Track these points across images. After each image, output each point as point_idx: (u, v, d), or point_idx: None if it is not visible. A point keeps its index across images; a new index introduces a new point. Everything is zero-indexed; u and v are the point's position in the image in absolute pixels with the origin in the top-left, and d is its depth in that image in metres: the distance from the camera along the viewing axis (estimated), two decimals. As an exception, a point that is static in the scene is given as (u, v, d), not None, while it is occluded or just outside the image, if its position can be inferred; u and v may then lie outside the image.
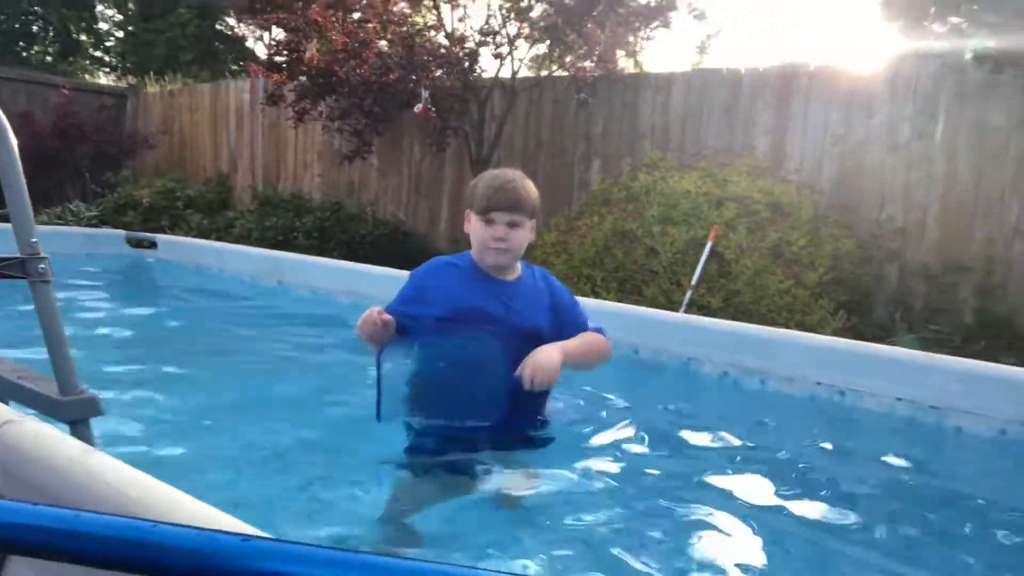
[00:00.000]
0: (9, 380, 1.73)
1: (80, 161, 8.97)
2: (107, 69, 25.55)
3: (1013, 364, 4.13)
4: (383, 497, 1.93)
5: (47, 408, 1.63)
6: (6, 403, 1.97)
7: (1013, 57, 4.38)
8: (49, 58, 25.28)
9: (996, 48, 4.49)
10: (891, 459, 2.49)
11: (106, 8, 26.63)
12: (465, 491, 1.95)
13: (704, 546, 1.75)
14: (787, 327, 4.09)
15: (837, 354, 2.76)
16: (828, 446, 2.49)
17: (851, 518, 1.96)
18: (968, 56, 4.59)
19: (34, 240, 1.64)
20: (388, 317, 1.99)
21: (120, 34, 25.55)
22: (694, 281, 4.33)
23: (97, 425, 1.71)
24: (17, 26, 24.79)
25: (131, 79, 13.02)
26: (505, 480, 1.99)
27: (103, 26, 26.74)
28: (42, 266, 1.63)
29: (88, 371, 2.68)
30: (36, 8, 25.01)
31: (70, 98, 9.25)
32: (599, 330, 2.20)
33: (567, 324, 2.16)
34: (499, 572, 0.68)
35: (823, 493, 2.10)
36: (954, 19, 4.84)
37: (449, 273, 2.16)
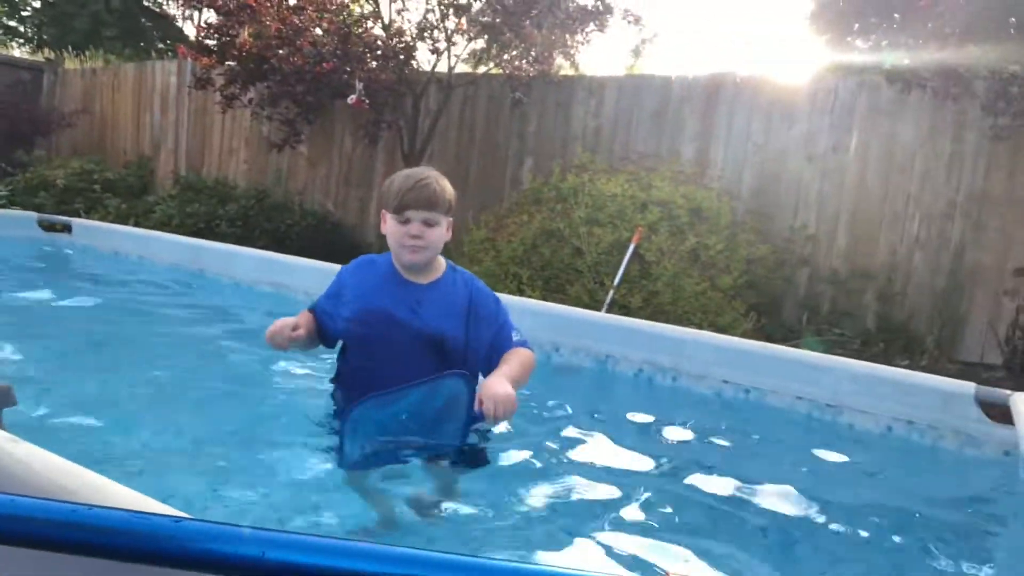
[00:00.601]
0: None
1: (-10, 137, 8.55)
2: (21, 40, 24.32)
3: (906, 366, 4.42)
4: (302, 486, 1.96)
5: (-48, 395, 1.60)
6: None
7: (921, 78, 4.66)
8: (-43, 26, 23.89)
9: (908, 67, 4.76)
10: (790, 452, 2.66)
11: (23, -24, 25.34)
12: (394, 493, 1.98)
13: (616, 538, 1.84)
14: (701, 327, 4.27)
15: (743, 354, 2.91)
16: (729, 442, 2.62)
17: (752, 506, 2.10)
18: (882, 74, 4.84)
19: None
20: (299, 334, 2.03)
21: (38, 4, 24.35)
22: (616, 281, 4.46)
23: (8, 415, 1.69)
24: (-78, -11, 23.35)
25: (48, 53, 12.44)
26: (432, 486, 2.04)
27: (19, -5, 25.42)
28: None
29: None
30: (-56, -29, 23.61)
31: (-19, 70, 8.82)
32: (524, 343, 2.15)
33: (492, 337, 2.11)
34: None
35: (729, 484, 2.22)
36: (874, 36, 5.09)
37: (367, 272, 2.17)
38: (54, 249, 5.63)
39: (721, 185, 5.80)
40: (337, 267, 4.29)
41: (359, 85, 6.00)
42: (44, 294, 4.13)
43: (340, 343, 2.21)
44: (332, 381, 2.25)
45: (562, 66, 7.09)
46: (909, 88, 4.70)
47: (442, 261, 2.18)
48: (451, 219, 2.14)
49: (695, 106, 6.11)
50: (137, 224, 7.19)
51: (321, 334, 2.21)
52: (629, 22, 6.81)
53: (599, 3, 6.68)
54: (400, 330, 2.04)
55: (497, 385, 1.88)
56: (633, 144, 6.30)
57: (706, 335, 3.10)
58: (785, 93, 5.79)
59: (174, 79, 9.26)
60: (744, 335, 4.44)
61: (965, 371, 4.69)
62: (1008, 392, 2.46)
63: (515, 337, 2.14)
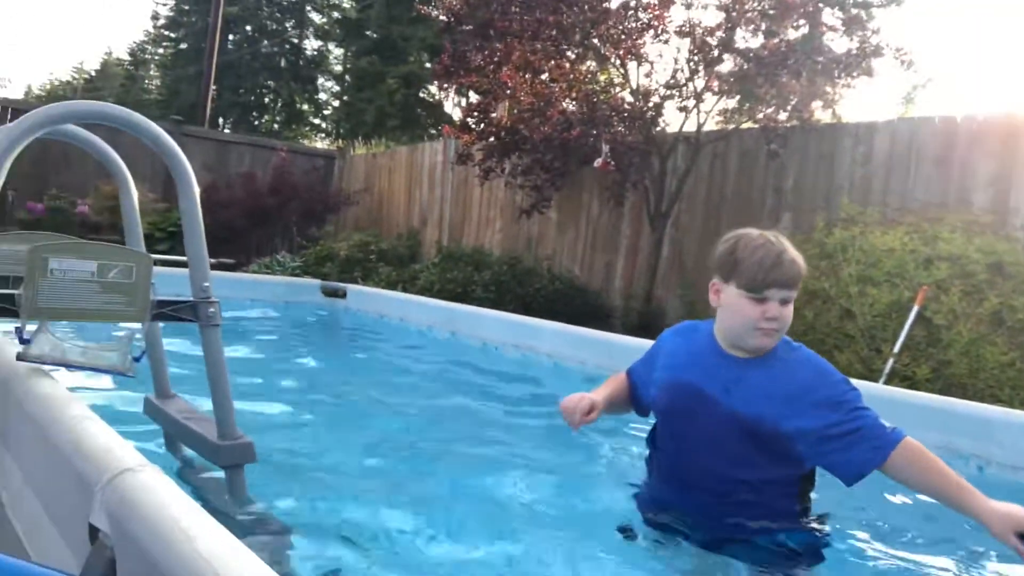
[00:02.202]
0: (176, 419, 1.83)
1: (290, 216, 9.86)
2: (323, 135, 28.35)
3: None
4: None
5: (205, 451, 1.69)
6: (173, 441, 2.09)
7: None
8: (276, 126, 28.46)
9: None
10: None
11: (326, 80, 29.69)
12: None
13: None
14: (1011, 406, 3.51)
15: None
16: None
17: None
18: None
19: (206, 284, 1.72)
20: (591, 419, 1.88)
21: (336, 104, 28.30)
22: (896, 348, 3.86)
23: (254, 471, 1.75)
24: (252, 99, 28.23)
25: (342, 143, 14.27)
26: None
27: (322, 97, 29.81)
28: (211, 310, 1.71)
29: (255, 413, 2.81)
30: (270, 82, 28.39)
31: (286, 160, 10.27)
32: (901, 432, 1.73)
33: (843, 427, 1.73)
34: None
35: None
36: None
37: (685, 340, 2.01)
38: (330, 313, 6.23)
39: (1028, 236, 4.88)
40: (582, 329, 4.23)
41: (605, 148, 6.01)
42: (317, 353, 4.52)
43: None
44: (646, 461, 2.11)
45: (822, 116, 6.55)
46: None
47: None
48: None
49: (988, 148, 5.27)
50: (404, 289, 7.77)
51: (634, 400, 2.11)
52: (902, 63, 6.12)
53: (865, 46, 6.11)
54: (709, 409, 1.83)
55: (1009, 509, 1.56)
56: (911, 193, 5.57)
57: (1022, 415, 2.50)
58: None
59: (440, 157, 10.07)
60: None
61: None
62: None
63: (888, 425, 1.74)
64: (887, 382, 3.63)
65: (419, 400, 3.65)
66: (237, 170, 10.25)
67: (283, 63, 28.39)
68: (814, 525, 1.88)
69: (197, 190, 1.76)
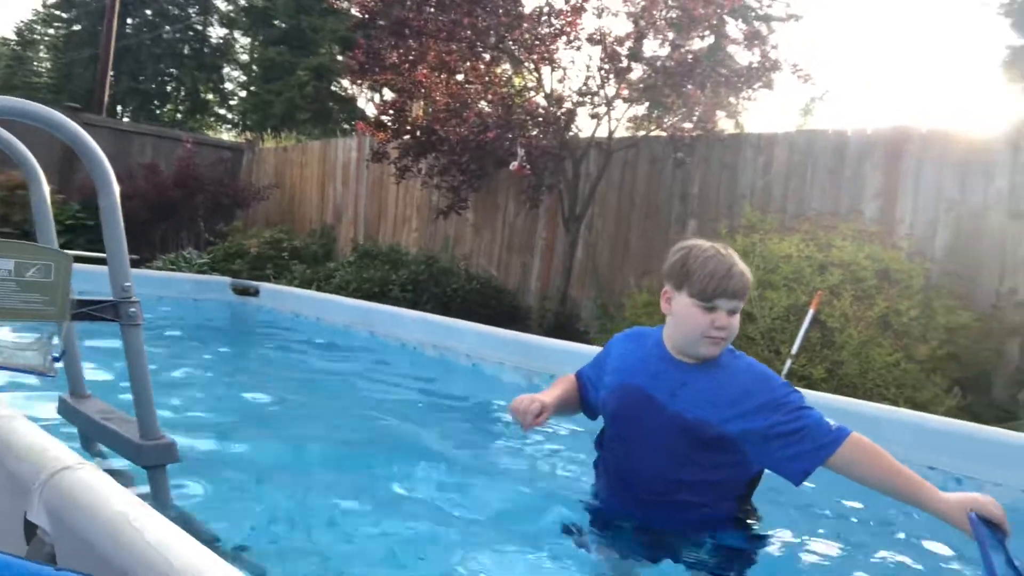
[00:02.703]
0: (95, 421, 1.78)
1: (196, 210, 9.52)
2: (229, 126, 27.42)
3: None
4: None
5: (126, 451, 1.67)
6: (93, 443, 2.04)
7: None
8: (179, 115, 27.35)
9: None
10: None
11: (232, 70, 28.72)
12: None
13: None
14: (896, 403, 3.81)
15: (952, 436, 2.52)
16: (946, 549, 2.25)
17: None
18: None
19: (127, 284, 1.69)
20: (541, 420, 1.90)
21: (243, 94, 27.41)
22: (794, 349, 4.11)
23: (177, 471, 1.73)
24: (153, 87, 27.02)
25: (250, 135, 13.88)
26: None
27: (228, 86, 28.82)
28: (133, 310, 1.68)
29: (173, 414, 2.76)
30: (172, 70, 27.24)
31: (192, 151, 9.91)
32: (846, 430, 1.76)
33: (786, 429, 1.76)
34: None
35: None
36: None
37: (635, 345, 2.06)
38: (243, 311, 6.08)
39: (911, 245, 5.28)
40: (501, 330, 4.30)
41: (520, 151, 6.11)
42: (230, 352, 4.42)
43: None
44: (595, 464, 2.14)
45: (726, 127, 6.87)
46: None
47: None
48: None
49: (876, 161, 5.67)
50: (319, 288, 7.65)
51: (583, 402, 2.15)
52: (799, 78, 6.50)
53: (765, 60, 6.45)
54: (655, 412, 1.88)
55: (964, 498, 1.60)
56: (807, 202, 5.92)
57: (906, 413, 2.73)
58: (980, 145, 5.24)
59: (354, 154, 9.96)
60: (948, 413, 3.92)
61: None
62: None
63: (832, 424, 1.77)
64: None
65: (337, 399, 3.64)
66: (139, 161, 9.82)
67: (186, 50, 27.30)
68: (755, 527, 1.95)
69: (117, 188, 1.73)
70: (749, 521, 1.95)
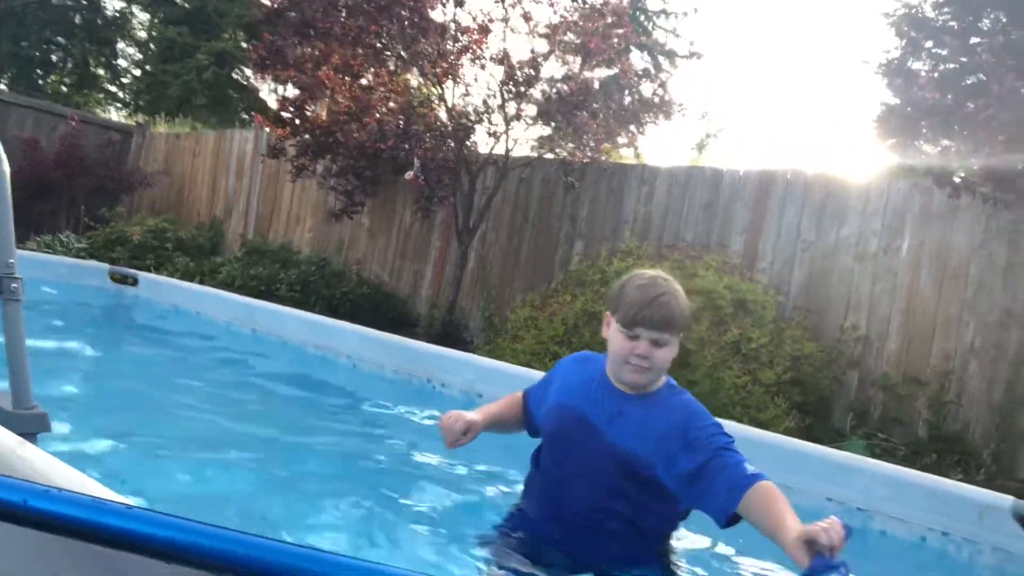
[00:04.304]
0: (-34, 391, 1.82)
1: (78, 192, 9.12)
2: (119, 105, 26.07)
3: (961, 480, 4.25)
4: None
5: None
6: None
7: (970, 183, 4.63)
8: (65, 87, 25.79)
9: (958, 173, 4.74)
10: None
11: (127, 46, 27.36)
12: None
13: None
14: (742, 422, 4.19)
15: (772, 449, 2.86)
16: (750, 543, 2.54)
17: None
18: (927, 175, 4.83)
19: (11, 261, 1.75)
20: (468, 439, 1.91)
21: (137, 72, 26.16)
22: (655, 367, 4.45)
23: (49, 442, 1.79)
24: (37, 54, 25.37)
25: (142, 118, 13.35)
26: None
27: (122, 63, 27.41)
28: (15, 285, 1.74)
29: (45, 392, 2.75)
30: (59, 38, 25.67)
31: (77, 130, 9.48)
32: (761, 475, 1.74)
33: (705, 465, 1.76)
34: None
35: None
36: (945, 142, 5.05)
37: (579, 368, 2.07)
38: (120, 300, 5.92)
39: (769, 279, 5.78)
40: (382, 334, 4.42)
41: (416, 163, 6.26)
42: (105, 339, 4.34)
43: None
44: (526, 481, 2.14)
45: (621, 155, 7.26)
46: (958, 193, 4.66)
47: (663, 377, 1.98)
48: (680, 336, 1.93)
49: (746, 200, 6.17)
50: (203, 282, 7.51)
51: (527, 421, 2.17)
52: (682, 116, 6.99)
53: (658, 96, 6.90)
54: (591, 437, 1.90)
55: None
56: (682, 233, 6.36)
57: (737, 427, 3.05)
58: (836, 192, 5.80)
59: (250, 147, 9.80)
60: (787, 433, 4.33)
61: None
62: (1048, 509, 2.36)
63: (750, 469, 1.75)
64: (645, 395, 4.19)
65: (213, 393, 3.66)
66: (17, 134, 9.30)
67: (78, 19, 25.80)
68: (675, 562, 2.00)
69: (7, 167, 1.79)
70: (672, 558, 1.99)
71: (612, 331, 1.90)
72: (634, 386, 1.90)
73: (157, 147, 11.15)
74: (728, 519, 1.73)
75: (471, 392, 3.51)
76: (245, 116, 21.01)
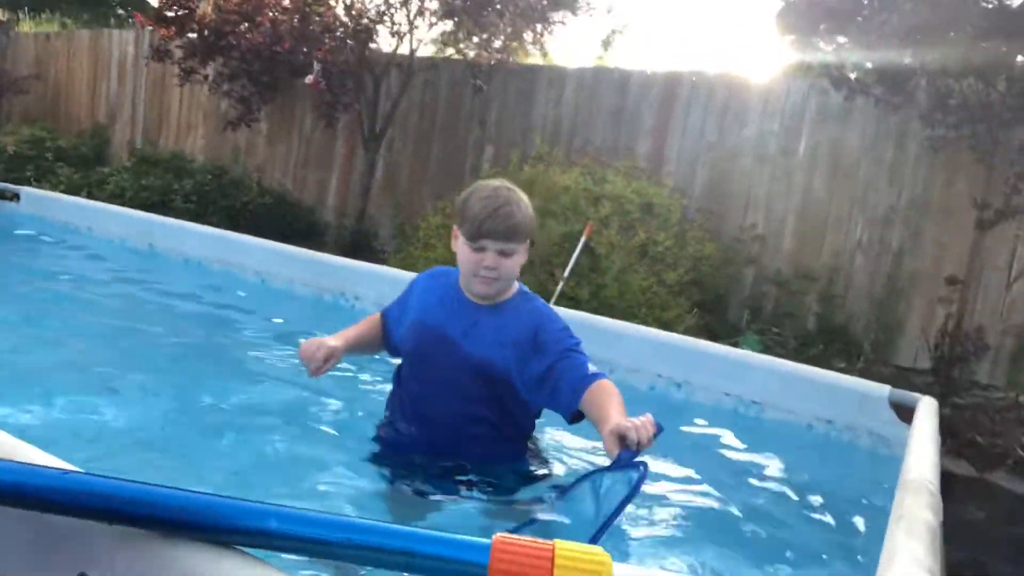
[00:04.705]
0: None
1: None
2: (-26, -2, 23.43)
3: (843, 369, 4.60)
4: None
5: None
6: None
7: (865, 85, 4.79)
8: (-93, -21, 22.93)
9: (853, 74, 4.87)
10: (715, 446, 2.77)
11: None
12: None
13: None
14: (647, 322, 4.37)
15: (676, 350, 3.01)
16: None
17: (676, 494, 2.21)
18: (824, 76, 4.95)
19: None
20: (331, 365, 1.92)
21: (-8, -39, 23.45)
22: (566, 273, 4.54)
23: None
24: None
25: (3, 13, 12.06)
26: None
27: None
28: None
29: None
30: None
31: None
32: (602, 375, 1.86)
33: (552, 365, 1.88)
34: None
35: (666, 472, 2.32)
36: (841, 39, 5.13)
37: (435, 284, 2.10)
38: (1, 218, 5.53)
39: (674, 182, 5.91)
40: (291, 247, 4.31)
41: (316, 66, 5.97)
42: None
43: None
44: (388, 399, 2.18)
45: (530, 53, 7.08)
46: (853, 96, 4.83)
47: (515, 285, 2.04)
48: (528, 242, 1.98)
49: (652, 103, 6.20)
50: (90, 196, 7.06)
51: (387, 341, 2.17)
52: (588, 14, 6.86)
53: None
54: (449, 350, 1.96)
55: (624, 419, 1.62)
56: (591, 137, 6.38)
57: (643, 330, 3.19)
58: (738, 94, 5.90)
59: (131, 49, 9.08)
60: (687, 331, 4.55)
61: (898, 375, 4.86)
62: (919, 395, 2.59)
63: (591, 369, 1.86)
64: (556, 301, 4.28)
65: (107, 316, 3.52)
66: None
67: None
68: (541, 456, 2.14)
69: None
70: (532, 453, 2.13)
71: (460, 245, 1.94)
72: (485, 297, 1.96)
73: (25, 48, 10.18)
74: (572, 416, 1.86)
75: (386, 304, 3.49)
76: (121, 11, 19.31)
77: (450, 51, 6.89)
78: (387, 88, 6.96)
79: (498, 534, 0.80)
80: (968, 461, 3.29)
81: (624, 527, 1.93)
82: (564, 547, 0.76)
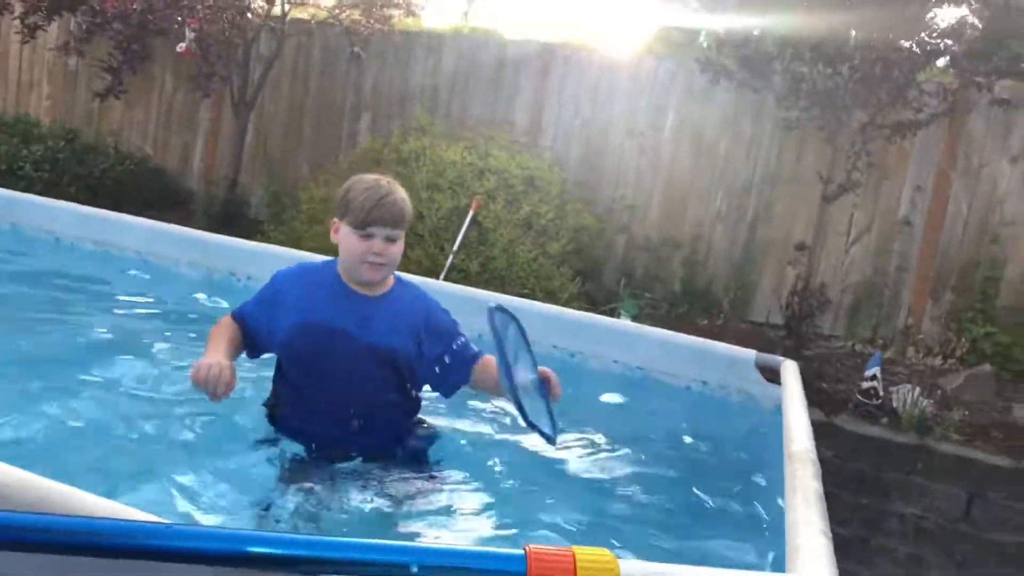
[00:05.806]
0: None
1: None
2: None
3: (705, 325, 5.05)
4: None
5: None
6: None
7: (729, 70, 5.18)
8: None
9: (726, 57, 5.22)
10: (607, 408, 3.06)
11: None
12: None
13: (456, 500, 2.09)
14: (534, 291, 4.62)
15: (570, 323, 3.25)
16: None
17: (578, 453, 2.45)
18: (691, 56, 5.31)
19: None
20: (233, 385, 1.90)
21: None
22: (455, 247, 4.68)
23: None
24: None
25: None
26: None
27: None
28: None
29: None
30: None
31: None
32: (482, 352, 2.11)
33: (446, 351, 2.10)
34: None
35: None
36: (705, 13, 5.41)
37: (310, 282, 2.13)
38: None
39: (552, 155, 6.14)
40: (176, 227, 4.16)
41: (190, 35, 5.68)
42: None
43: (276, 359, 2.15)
44: (267, 405, 2.19)
45: (401, 19, 7.01)
46: (718, 79, 5.21)
47: (392, 276, 2.16)
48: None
49: (530, 73, 6.35)
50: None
51: (249, 345, 2.15)
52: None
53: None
54: (347, 344, 2.02)
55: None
56: (470, 108, 6.45)
57: (539, 306, 3.41)
58: (610, 68, 6.17)
59: (-43, -4, 8.17)
60: (570, 298, 4.85)
61: (753, 330, 5.41)
62: (781, 358, 2.97)
63: (474, 348, 2.13)
64: (447, 275, 4.43)
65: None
66: None
67: None
68: (432, 430, 2.29)
69: None
70: (426, 425, 2.29)
71: (344, 235, 2.03)
72: (372, 283, 2.07)
73: None
74: (455, 391, 2.16)
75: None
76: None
77: (317, 16, 6.71)
78: (256, 52, 6.72)
79: (529, 545, 0.92)
80: (818, 407, 3.76)
81: (547, 499, 2.16)
82: (581, 552, 0.91)
